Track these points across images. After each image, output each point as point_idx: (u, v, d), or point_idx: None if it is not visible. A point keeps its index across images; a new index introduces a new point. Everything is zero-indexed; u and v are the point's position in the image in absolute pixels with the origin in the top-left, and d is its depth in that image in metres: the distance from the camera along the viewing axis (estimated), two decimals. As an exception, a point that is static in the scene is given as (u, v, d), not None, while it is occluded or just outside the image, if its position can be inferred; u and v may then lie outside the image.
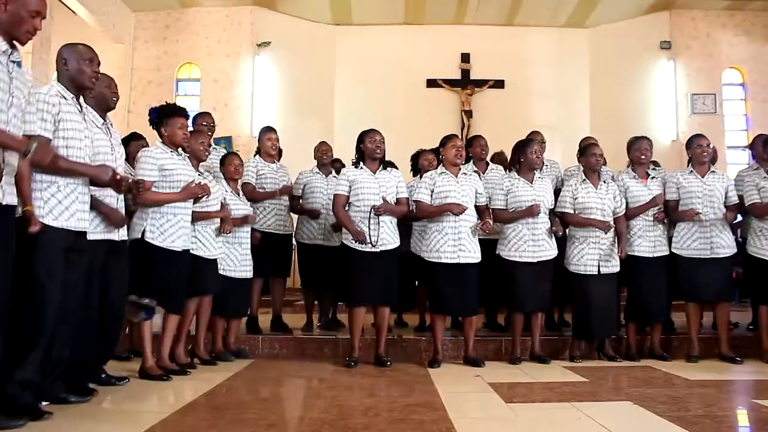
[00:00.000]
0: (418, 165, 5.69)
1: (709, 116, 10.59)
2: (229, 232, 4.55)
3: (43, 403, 3.01)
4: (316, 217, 5.55)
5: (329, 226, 5.48)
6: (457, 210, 4.61)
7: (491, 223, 4.78)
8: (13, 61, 2.73)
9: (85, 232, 3.22)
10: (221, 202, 4.59)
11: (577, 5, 10.72)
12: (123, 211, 3.64)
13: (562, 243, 5.01)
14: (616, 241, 4.92)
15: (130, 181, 3.43)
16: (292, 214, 5.68)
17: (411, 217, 5.15)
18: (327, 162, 5.80)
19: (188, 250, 4.17)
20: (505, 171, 5.33)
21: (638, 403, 3.38)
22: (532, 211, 4.77)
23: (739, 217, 5.28)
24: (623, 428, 3.00)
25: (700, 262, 4.92)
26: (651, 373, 4.49)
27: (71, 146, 3.10)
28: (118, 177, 3.28)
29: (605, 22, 11.14)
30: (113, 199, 3.53)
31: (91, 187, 3.28)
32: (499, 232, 4.97)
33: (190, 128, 4.44)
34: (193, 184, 4.07)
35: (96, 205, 3.40)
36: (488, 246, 4.90)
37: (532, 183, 4.90)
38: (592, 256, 4.85)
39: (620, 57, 11.03)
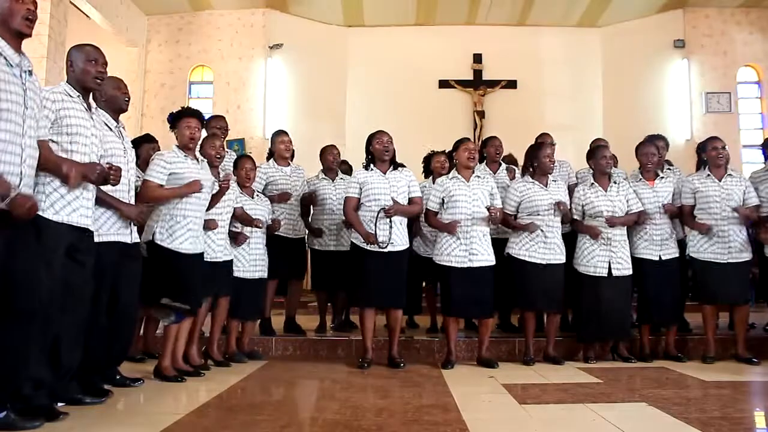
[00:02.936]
0: (430, 167, 5.69)
1: (723, 115, 10.50)
2: (260, 225, 4.67)
3: (59, 404, 3.03)
4: (318, 236, 5.57)
5: (343, 226, 5.44)
6: (454, 231, 4.61)
7: (498, 212, 4.71)
8: (25, 71, 2.73)
9: (89, 231, 3.18)
10: (234, 208, 4.62)
11: (590, 4, 10.67)
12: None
13: (572, 244, 4.98)
14: (627, 244, 4.90)
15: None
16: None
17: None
18: (336, 167, 5.79)
19: (199, 253, 4.15)
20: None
21: (653, 405, 3.36)
22: (529, 229, 4.76)
23: None
24: (638, 430, 2.98)
25: (717, 265, 4.84)
26: (666, 374, 4.46)
27: (75, 142, 3.10)
28: (107, 168, 3.15)
29: (618, 21, 11.08)
30: (124, 194, 3.54)
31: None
32: (509, 232, 4.97)
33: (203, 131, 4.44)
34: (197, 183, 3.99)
35: (105, 200, 3.39)
36: (499, 246, 4.89)
37: (546, 187, 4.88)
38: (603, 257, 4.82)
39: (633, 56, 10.95)
